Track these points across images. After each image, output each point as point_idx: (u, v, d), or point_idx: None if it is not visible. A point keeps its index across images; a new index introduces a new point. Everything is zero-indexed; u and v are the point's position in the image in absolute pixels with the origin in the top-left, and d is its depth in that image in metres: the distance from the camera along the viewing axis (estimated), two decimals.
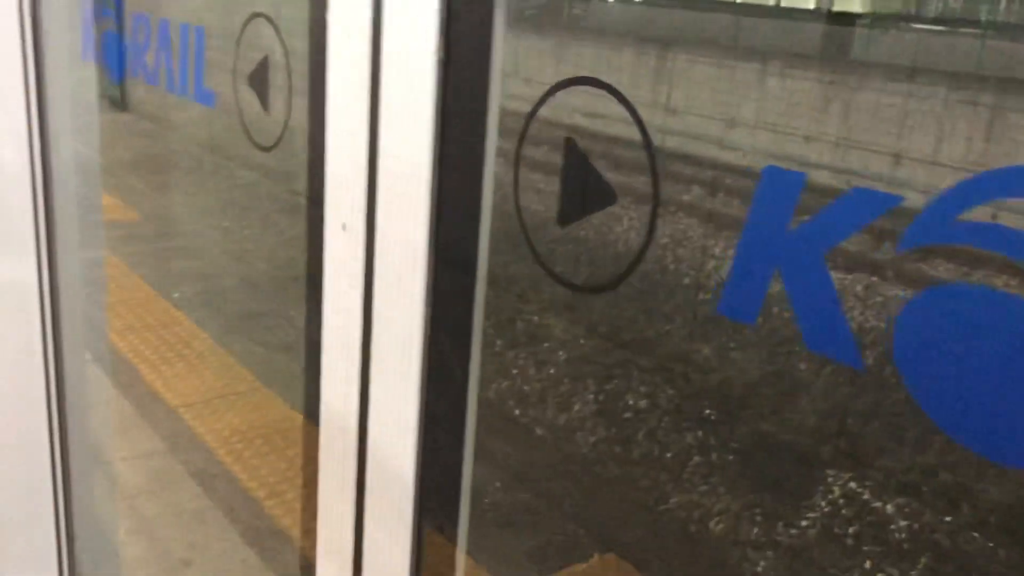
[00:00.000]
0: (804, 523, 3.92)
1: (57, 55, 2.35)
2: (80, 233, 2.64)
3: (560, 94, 0.84)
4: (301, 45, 1.25)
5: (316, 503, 1.27)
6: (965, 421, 0.66)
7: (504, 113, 0.81)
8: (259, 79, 1.31)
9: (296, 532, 3.08)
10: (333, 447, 1.18)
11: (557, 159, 0.84)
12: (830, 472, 4.21)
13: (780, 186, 0.67)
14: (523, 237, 0.91)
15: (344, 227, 1.09)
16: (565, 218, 0.85)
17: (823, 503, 4.03)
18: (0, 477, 2.63)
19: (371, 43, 0.99)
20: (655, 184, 0.79)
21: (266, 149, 1.33)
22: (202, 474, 3.68)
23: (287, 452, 3.76)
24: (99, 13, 1.78)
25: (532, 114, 0.86)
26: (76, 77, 1.96)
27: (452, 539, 1.04)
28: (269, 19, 1.29)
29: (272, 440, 3.82)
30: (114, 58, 1.76)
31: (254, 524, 3.31)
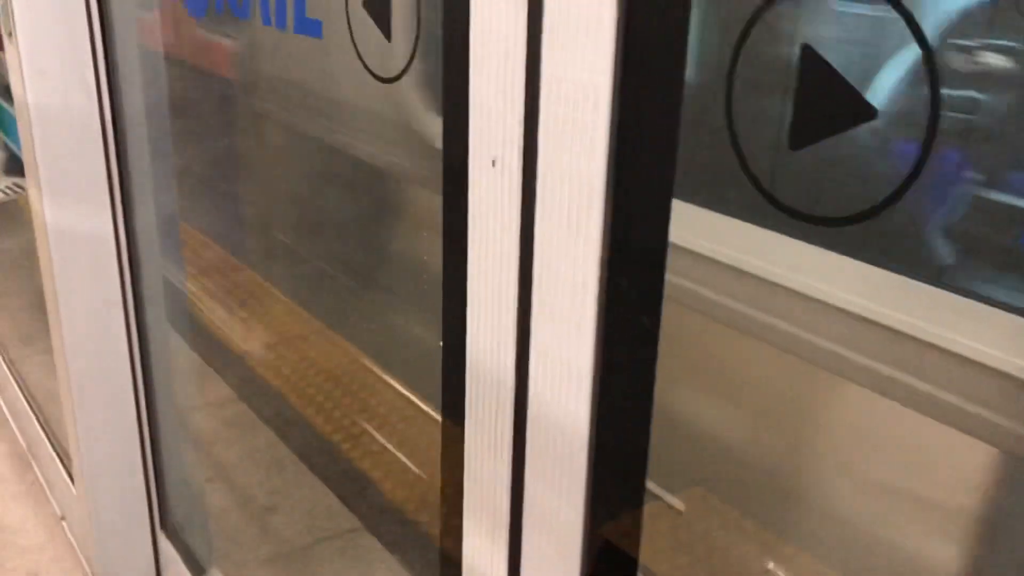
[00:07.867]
0: None
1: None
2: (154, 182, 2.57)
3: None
4: None
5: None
6: None
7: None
8: (378, 4, 1.21)
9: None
10: (482, 401, 1.11)
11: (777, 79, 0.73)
12: None
13: None
14: (739, 164, 0.80)
15: (494, 163, 1.00)
16: (799, 140, 0.74)
17: None
18: (91, 427, 2.63)
19: None
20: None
21: (387, 80, 1.24)
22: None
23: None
24: None
25: (753, 19, 0.75)
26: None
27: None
28: None
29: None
30: None
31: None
